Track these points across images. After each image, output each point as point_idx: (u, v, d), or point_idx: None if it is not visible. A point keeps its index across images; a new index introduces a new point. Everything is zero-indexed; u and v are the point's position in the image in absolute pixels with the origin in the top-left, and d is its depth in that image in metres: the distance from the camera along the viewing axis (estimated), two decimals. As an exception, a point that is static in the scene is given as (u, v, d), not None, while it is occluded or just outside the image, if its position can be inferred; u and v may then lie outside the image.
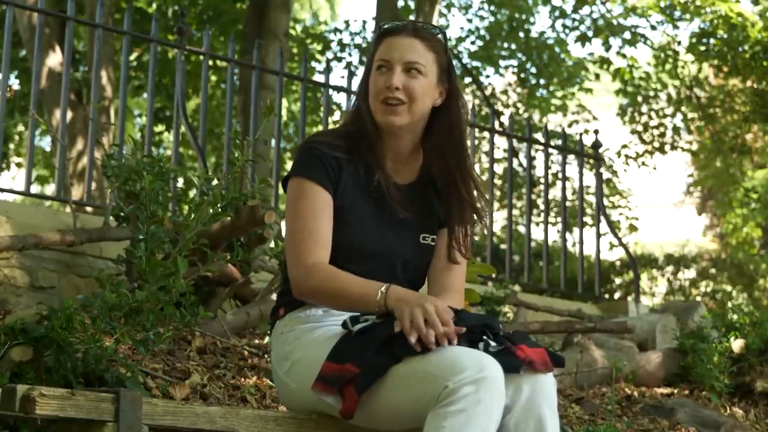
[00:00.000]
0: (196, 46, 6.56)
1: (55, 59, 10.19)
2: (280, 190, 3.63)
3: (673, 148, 14.81)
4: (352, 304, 2.43)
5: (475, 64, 15.32)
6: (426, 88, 2.57)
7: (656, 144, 14.73)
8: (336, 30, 15.63)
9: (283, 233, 3.28)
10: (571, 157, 7.87)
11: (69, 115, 9.41)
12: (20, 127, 14.41)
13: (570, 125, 15.38)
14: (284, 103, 13.39)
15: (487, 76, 15.77)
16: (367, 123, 2.59)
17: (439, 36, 2.63)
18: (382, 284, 2.41)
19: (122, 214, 4.29)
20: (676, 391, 5.09)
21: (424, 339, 2.27)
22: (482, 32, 15.14)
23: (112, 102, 10.28)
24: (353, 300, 2.43)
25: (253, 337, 4.37)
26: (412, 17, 13.41)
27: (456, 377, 2.20)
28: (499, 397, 2.24)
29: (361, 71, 2.80)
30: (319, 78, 14.67)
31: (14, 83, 13.12)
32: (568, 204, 9.08)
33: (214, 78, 13.36)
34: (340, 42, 15.01)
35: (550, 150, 7.75)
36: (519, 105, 15.31)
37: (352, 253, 2.55)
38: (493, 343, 2.34)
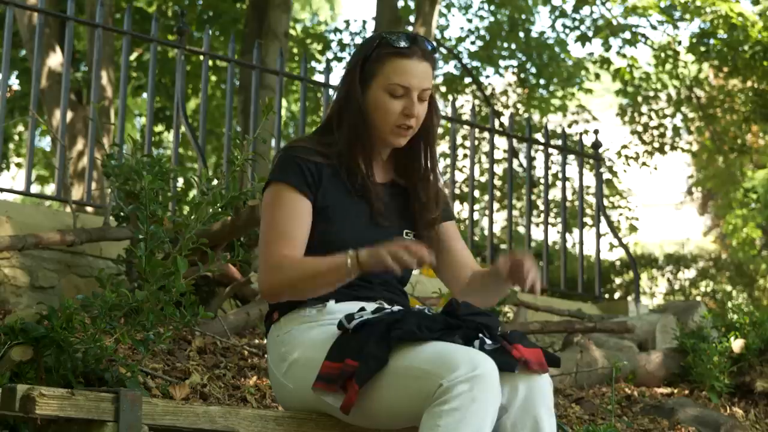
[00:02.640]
0: (196, 46, 6.56)
1: (55, 59, 10.19)
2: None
3: (673, 148, 14.81)
4: (326, 280, 2.44)
5: (475, 64, 15.33)
6: (426, 108, 2.65)
7: (656, 144, 14.74)
8: (336, 30, 15.64)
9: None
10: (571, 158, 7.87)
11: (69, 115, 9.41)
12: (20, 127, 14.41)
13: (570, 125, 15.38)
14: (284, 103, 13.39)
15: (487, 76, 15.79)
16: (366, 134, 2.60)
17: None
18: (345, 255, 2.41)
19: (122, 214, 4.29)
20: (676, 391, 5.09)
21: (407, 260, 2.33)
22: (482, 32, 15.14)
23: (112, 102, 10.28)
24: (325, 276, 2.44)
25: (253, 336, 4.37)
26: (411, 18, 13.43)
27: (450, 375, 2.21)
28: (494, 394, 2.24)
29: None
30: (319, 78, 14.67)
31: (14, 83, 13.12)
32: (568, 204, 9.08)
33: (214, 78, 13.36)
34: (340, 42, 15.01)
35: (550, 150, 7.75)
36: (519, 105, 15.32)
37: (339, 242, 2.55)
38: (488, 341, 2.35)
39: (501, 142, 9.08)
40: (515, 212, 13.92)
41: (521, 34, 14.69)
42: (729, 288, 13.09)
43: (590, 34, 13.71)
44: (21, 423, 2.52)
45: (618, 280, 12.58)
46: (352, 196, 2.60)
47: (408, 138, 2.63)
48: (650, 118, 14.72)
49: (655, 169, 14.95)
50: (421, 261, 2.36)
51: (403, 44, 2.59)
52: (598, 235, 7.37)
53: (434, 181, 2.71)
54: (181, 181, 4.77)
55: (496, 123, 7.93)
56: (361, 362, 2.31)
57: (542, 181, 7.52)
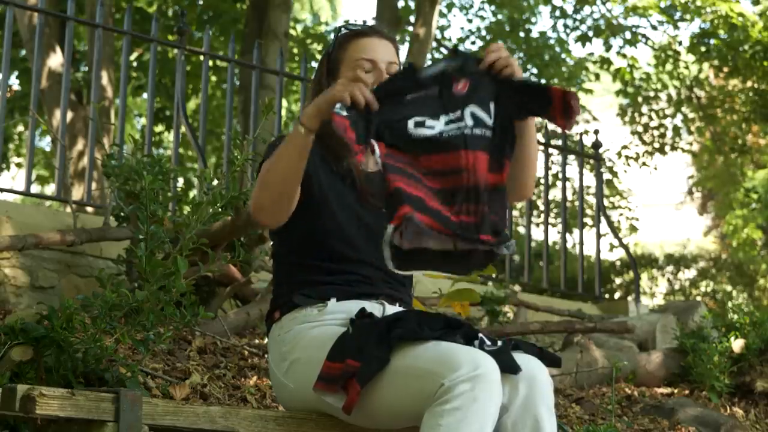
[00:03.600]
0: (196, 46, 6.56)
1: (55, 59, 10.18)
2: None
3: (674, 148, 14.82)
4: (291, 156, 2.41)
5: (476, 64, 15.30)
6: None
7: (656, 144, 14.74)
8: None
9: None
10: (571, 158, 7.87)
11: (69, 115, 9.41)
12: (20, 127, 14.41)
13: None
14: (284, 103, 13.39)
15: (488, 76, 15.75)
16: None
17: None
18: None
19: (122, 214, 4.29)
20: (676, 391, 5.09)
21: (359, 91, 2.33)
22: (482, 32, 15.14)
23: (112, 102, 10.27)
24: (288, 152, 2.41)
25: (253, 337, 4.37)
26: (412, 18, 13.42)
27: (452, 375, 2.21)
28: (495, 394, 2.24)
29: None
30: (319, 78, 14.63)
31: (14, 83, 13.11)
32: (568, 204, 9.07)
33: (214, 78, 13.36)
34: (340, 42, 14.99)
35: (551, 150, 7.75)
36: (519, 105, 15.29)
37: (337, 230, 2.57)
38: (488, 342, 2.35)
39: (501, 142, 9.06)
40: (515, 212, 13.91)
41: (522, 35, 14.68)
42: (729, 288, 13.10)
43: (591, 34, 13.71)
44: (21, 423, 2.52)
45: (618, 280, 12.59)
46: (344, 181, 2.62)
47: None
48: (650, 118, 14.72)
49: (655, 169, 14.95)
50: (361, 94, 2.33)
51: (361, 27, 2.68)
52: (598, 235, 7.37)
53: None
54: (181, 181, 4.77)
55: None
56: (362, 362, 2.31)
57: (542, 181, 7.52)
